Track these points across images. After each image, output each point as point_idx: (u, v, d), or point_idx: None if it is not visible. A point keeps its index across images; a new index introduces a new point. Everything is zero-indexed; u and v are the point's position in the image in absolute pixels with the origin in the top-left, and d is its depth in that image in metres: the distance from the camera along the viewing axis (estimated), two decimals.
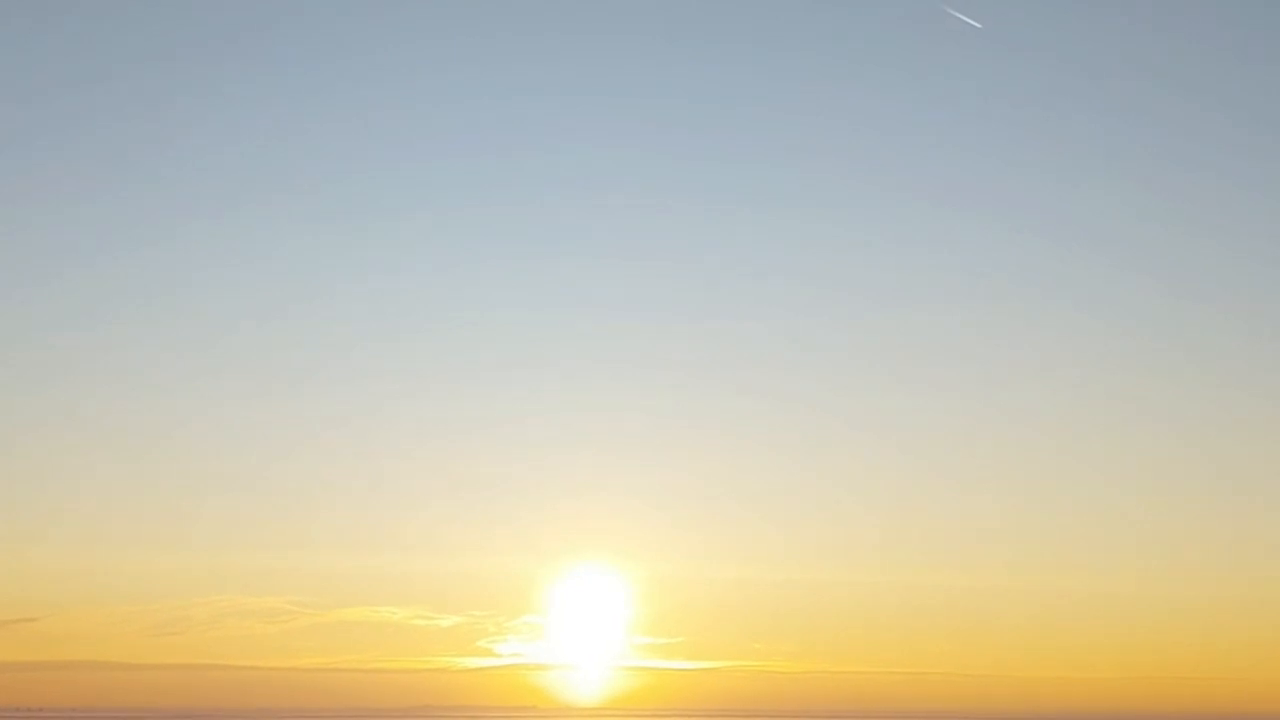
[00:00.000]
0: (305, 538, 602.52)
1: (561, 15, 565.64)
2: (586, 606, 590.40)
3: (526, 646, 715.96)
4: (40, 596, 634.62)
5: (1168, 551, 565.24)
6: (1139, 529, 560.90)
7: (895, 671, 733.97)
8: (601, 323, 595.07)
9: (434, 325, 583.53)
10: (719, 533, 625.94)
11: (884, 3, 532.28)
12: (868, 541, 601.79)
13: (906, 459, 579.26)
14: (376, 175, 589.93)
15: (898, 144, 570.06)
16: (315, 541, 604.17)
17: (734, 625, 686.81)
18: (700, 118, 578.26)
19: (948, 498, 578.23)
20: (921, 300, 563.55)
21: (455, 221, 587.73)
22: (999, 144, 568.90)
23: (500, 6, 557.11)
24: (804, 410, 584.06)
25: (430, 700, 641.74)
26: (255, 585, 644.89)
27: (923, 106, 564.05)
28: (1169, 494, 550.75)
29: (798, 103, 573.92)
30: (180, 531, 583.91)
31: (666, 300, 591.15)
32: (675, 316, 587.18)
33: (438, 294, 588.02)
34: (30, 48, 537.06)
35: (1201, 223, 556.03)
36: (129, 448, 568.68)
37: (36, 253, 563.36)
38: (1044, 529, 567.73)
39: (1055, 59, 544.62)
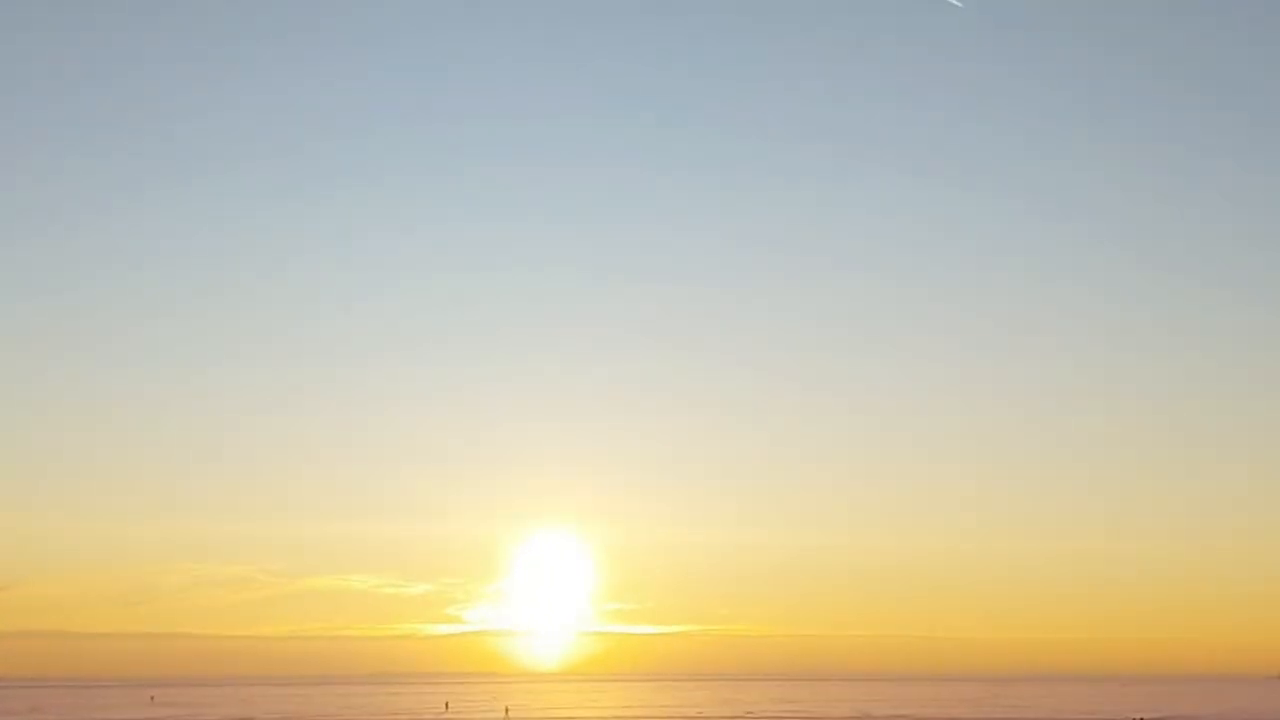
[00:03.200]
0: (275, 506, 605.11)
1: None
2: (553, 572, 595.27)
3: (494, 613, 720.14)
4: (8, 566, 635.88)
5: (1143, 515, 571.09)
6: (1110, 493, 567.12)
7: (860, 635, 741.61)
8: (563, 291, 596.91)
9: (399, 294, 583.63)
10: (683, 498, 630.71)
11: None
12: (832, 506, 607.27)
13: (872, 424, 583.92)
14: (345, 146, 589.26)
15: (874, 117, 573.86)
16: (285, 510, 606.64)
17: (697, 590, 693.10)
18: (686, 94, 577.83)
19: (912, 463, 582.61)
20: (891, 269, 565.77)
21: (421, 190, 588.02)
22: (977, 119, 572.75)
23: None
24: (768, 376, 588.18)
25: (394, 667, 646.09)
26: (224, 554, 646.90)
27: (914, 88, 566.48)
28: (1143, 459, 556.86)
29: (786, 82, 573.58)
30: (149, 500, 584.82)
31: (628, 268, 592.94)
32: (637, 284, 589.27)
33: (402, 263, 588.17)
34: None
35: (1189, 200, 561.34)
36: (98, 418, 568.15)
37: (6, 223, 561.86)
38: (1011, 493, 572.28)
39: (1036, 36, 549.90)
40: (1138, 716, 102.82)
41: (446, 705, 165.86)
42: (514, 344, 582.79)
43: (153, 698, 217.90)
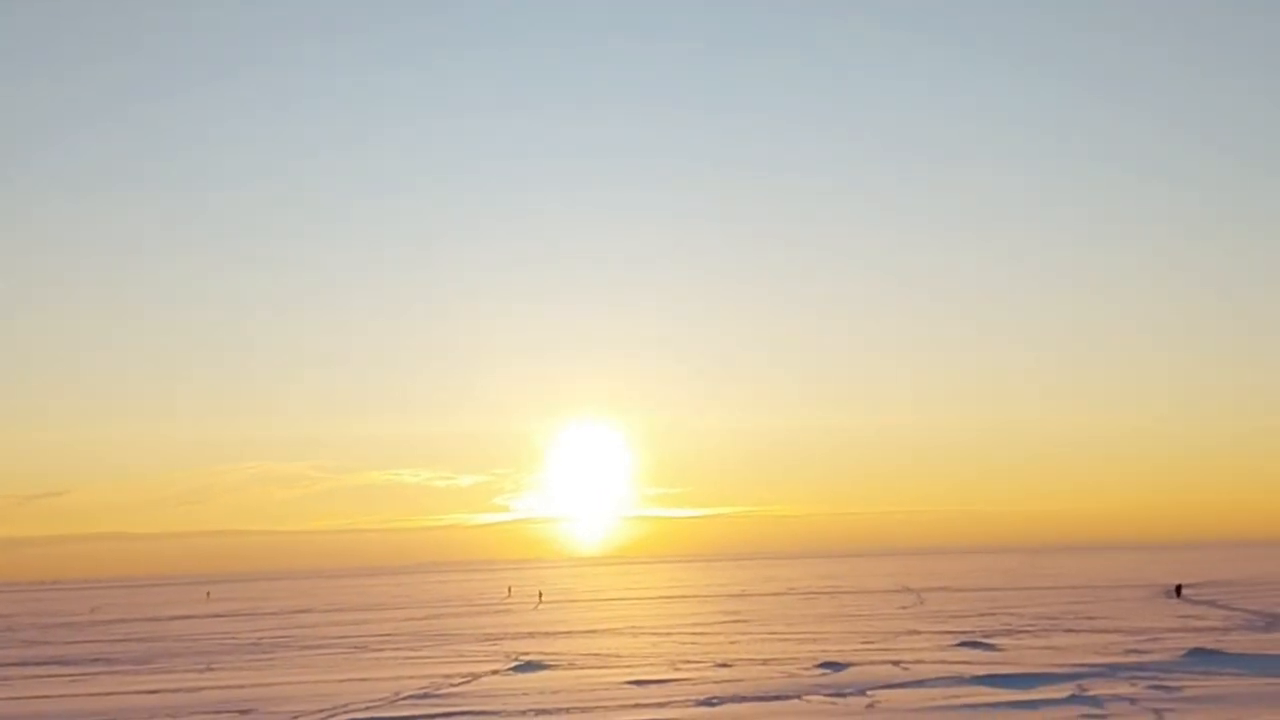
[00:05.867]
0: (327, 406, 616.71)
1: None
2: (597, 460, 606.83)
3: (540, 501, 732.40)
4: (67, 470, 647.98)
5: (1172, 386, 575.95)
6: (1140, 365, 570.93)
7: (898, 511, 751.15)
8: (595, 177, 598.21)
9: (442, 187, 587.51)
10: (720, 384, 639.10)
11: None
12: (868, 386, 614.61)
13: (908, 303, 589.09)
14: (362, 38, 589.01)
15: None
16: (336, 409, 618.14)
17: (736, 473, 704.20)
18: None
19: (946, 341, 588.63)
20: (932, 149, 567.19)
21: (454, 75, 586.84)
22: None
23: None
24: (804, 256, 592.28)
25: (440, 556, 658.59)
26: (280, 452, 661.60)
27: None
28: (1172, 332, 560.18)
29: None
30: (202, 402, 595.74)
31: (662, 149, 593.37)
32: (671, 165, 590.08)
33: (436, 155, 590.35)
34: None
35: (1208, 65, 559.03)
36: (152, 321, 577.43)
37: (38, 122, 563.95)
38: (1044, 368, 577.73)
39: None
40: (1177, 584, 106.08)
41: (509, 590, 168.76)
42: (552, 236, 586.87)
43: (209, 594, 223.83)
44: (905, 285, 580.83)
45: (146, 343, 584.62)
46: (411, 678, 47.93)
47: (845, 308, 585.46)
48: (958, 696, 37.00)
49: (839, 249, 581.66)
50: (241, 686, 47.20)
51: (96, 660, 65.84)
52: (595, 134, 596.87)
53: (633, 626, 79.73)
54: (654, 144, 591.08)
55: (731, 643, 61.65)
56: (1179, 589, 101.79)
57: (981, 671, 42.92)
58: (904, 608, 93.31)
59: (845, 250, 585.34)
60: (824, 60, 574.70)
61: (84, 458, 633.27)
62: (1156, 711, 33.02)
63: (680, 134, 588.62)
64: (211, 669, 57.03)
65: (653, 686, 42.01)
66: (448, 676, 47.98)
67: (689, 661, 51.34)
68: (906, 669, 44.92)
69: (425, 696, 41.35)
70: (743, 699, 37.88)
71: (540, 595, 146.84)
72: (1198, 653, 48.10)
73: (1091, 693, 37.05)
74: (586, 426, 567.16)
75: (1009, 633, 62.74)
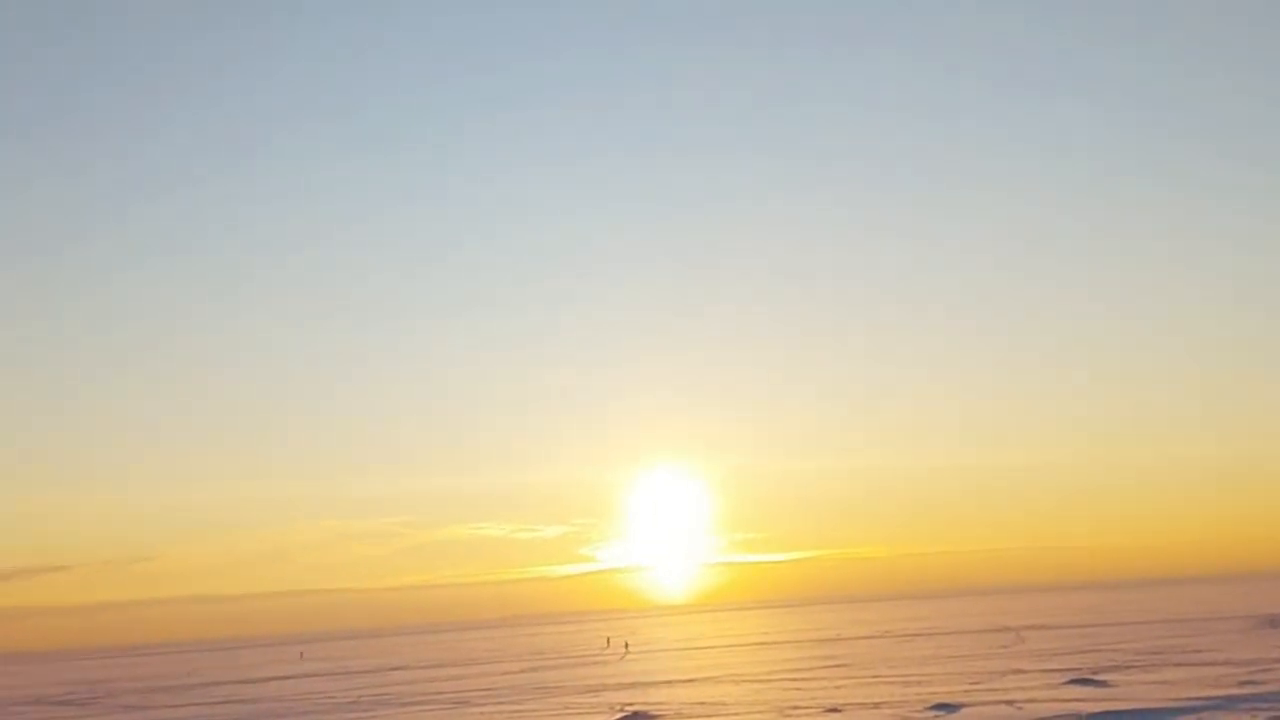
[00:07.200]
0: (412, 460, 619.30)
1: None
2: (679, 507, 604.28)
3: (624, 550, 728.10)
4: (154, 537, 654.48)
5: (1260, 414, 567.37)
6: (1223, 393, 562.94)
7: (982, 550, 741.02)
8: (662, 223, 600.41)
9: (503, 247, 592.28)
10: (798, 425, 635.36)
11: None
12: (947, 424, 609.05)
13: (980, 342, 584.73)
14: (409, 96, 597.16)
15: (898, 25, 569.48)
16: (421, 463, 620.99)
17: (817, 516, 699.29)
18: (742, 11, 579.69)
19: (1027, 377, 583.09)
20: (1005, 186, 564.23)
21: (507, 133, 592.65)
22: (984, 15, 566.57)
23: None
24: (874, 298, 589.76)
25: (524, 609, 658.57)
26: (362, 509, 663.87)
27: None
28: (1255, 361, 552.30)
29: None
30: (285, 463, 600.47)
31: (726, 196, 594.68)
32: (736, 212, 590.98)
33: (497, 209, 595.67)
34: None
35: (1198, 126, 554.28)
36: (231, 384, 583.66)
37: (99, 195, 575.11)
38: (1121, 405, 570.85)
39: None
40: (1275, 613, 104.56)
41: (608, 641, 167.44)
42: (629, 287, 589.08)
43: (302, 654, 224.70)
44: (987, 321, 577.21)
45: (221, 407, 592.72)
46: None
47: (923, 346, 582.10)
48: None
49: (918, 287, 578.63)
50: None
51: None
52: (665, 186, 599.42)
53: (732, 674, 79.65)
54: (726, 192, 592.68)
55: (837, 687, 61.55)
56: (1277, 619, 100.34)
57: (1098, 708, 42.71)
58: (1003, 646, 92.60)
59: (921, 288, 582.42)
60: (844, 90, 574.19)
61: (167, 523, 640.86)
62: None
63: (753, 181, 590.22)
64: None
65: None
66: None
67: (797, 707, 51.36)
68: (1021, 709, 44.77)
69: None
70: None
71: (626, 645, 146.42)
72: None
73: None
74: (666, 473, 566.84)
75: (1116, 668, 62.21)
